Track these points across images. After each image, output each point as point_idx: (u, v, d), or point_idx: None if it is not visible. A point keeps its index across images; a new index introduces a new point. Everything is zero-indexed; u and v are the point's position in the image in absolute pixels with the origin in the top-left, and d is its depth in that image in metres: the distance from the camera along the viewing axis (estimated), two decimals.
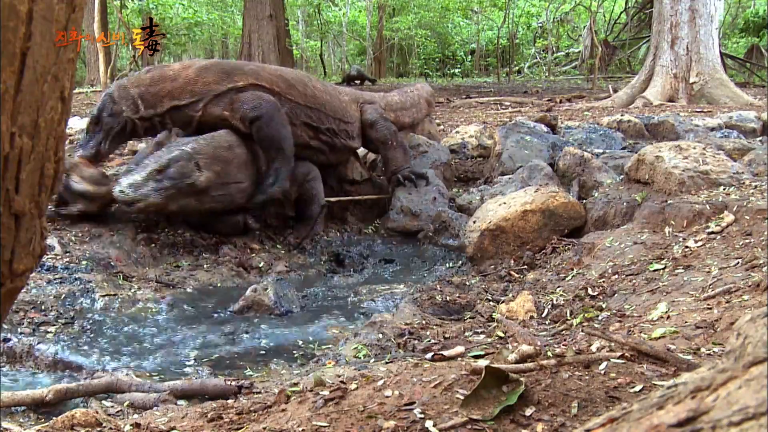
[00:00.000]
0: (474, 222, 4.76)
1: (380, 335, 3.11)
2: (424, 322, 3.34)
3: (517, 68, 22.22)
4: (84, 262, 4.12)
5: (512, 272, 4.30)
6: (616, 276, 3.46)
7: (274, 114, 4.85)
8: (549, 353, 2.03)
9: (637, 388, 1.74)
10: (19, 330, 3.37)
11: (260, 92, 4.88)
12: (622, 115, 7.87)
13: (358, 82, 16.89)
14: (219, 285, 4.31)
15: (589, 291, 3.39)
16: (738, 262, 2.99)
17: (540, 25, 23.81)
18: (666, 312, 2.66)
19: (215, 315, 3.84)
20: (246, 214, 4.82)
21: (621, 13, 20.10)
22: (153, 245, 4.59)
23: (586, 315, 3.00)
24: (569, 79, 19.36)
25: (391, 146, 5.56)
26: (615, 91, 12.03)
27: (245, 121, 4.81)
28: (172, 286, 4.15)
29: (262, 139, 4.83)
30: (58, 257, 4.09)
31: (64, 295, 3.77)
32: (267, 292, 3.88)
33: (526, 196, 4.62)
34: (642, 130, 7.42)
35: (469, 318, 3.46)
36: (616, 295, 3.22)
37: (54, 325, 3.51)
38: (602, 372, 1.85)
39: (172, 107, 4.75)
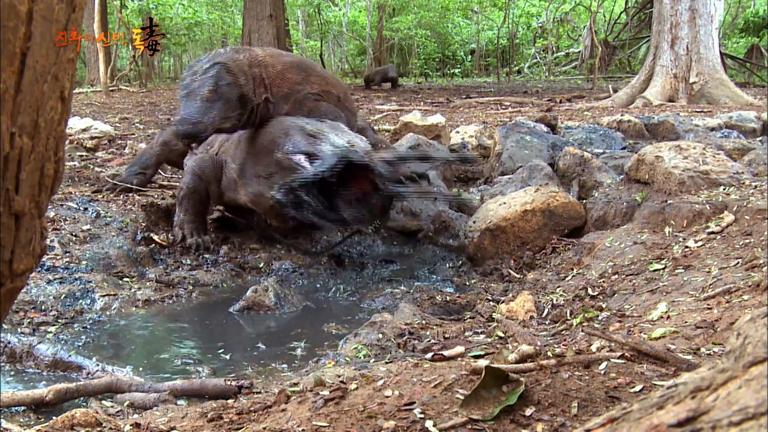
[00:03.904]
0: (474, 222, 4.75)
1: (380, 335, 3.11)
2: (424, 322, 3.33)
3: (517, 68, 22.24)
4: (84, 262, 4.12)
5: (512, 272, 4.30)
6: (616, 276, 3.46)
7: None
8: (549, 353, 2.03)
9: (637, 388, 1.74)
10: (19, 330, 3.37)
11: (332, 106, 4.97)
12: (622, 115, 7.87)
13: (377, 86, 15.61)
14: (219, 285, 4.31)
15: (589, 291, 3.39)
16: (738, 262, 2.99)
17: (540, 25, 23.83)
18: (666, 312, 2.66)
19: (215, 315, 3.84)
20: None
21: (621, 13, 20.10)
22: (153, 245, 4.60)
23: (586, 315, 3.00)
24: (569, 79, 19.37)
25: (380, 149, 5.58)
26: (615, 91, 12.03)
27: None
28: (172, 286, 4.15)
29: None
30: (58, 257, 4.09)
31: (64, 295, 3.77)
32: (267, 292, 3.89)
33: (526, 196, 4.61)
34: (642, 130, 7.42)
35: (469, 318, 3.46)
36: (616, 295, 3.22)
37: (54, 325, 3.51)
38: (602, 372, 1.85)
39: (265, 99, 4.55)
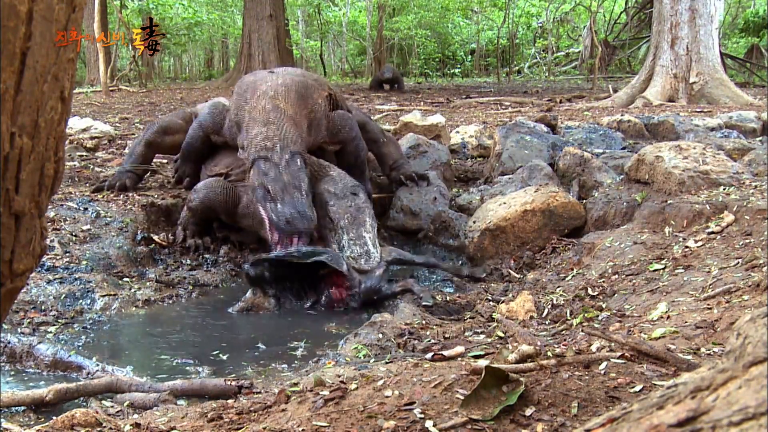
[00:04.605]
0: (474, 222, 4.75)
1: (380, 335, 3.11)
2: (424, 322, 3.34)
3: (517, 68, 22.23)
4: (84, 262, 4.12)
5: (512, 272, 4.30)
6: (616, 276, 3.46)
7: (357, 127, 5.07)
8: (549, 353, 2.03)
9: (637, 388, 1.74)
10: (19, 330, 3.37)
11: (342, 112, 4.99)
12: (622, 115, 7.86)
13: (387, 86, 14.96)
14: (219, 285, 4.31)
15: (589, 291, 3.39)
16: (738, 262, 2.99)
17: (540, 25, 23.82)
18: (666, 312, 2.66)
19: (215, 315, 3.84)
20: None
21: (621, 13, 20.10)
22: (153, 245, 4.60)
23: (586, 315, 3.00)
24: (569, 79, 19.37)
25: (383, 143, 5.56)
26: (615, 91, 12.03)
27: (344, 143, 4.95)
28: (172, 286, 4.15)
29: (351, 157, 4.96)
30: (58, 257, 4.09)
31: (64, 295, 3.77)
32: (267, 292, 3.88)
33: (526, 196, 4.61)
34: (642, 130, 7.42)
35: (469, 318, 3.46)
36: (616, 295, 3.22)
37: (54, 325, 3.51)
38: (602, 372, 1.85)
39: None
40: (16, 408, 2.47)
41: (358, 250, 4.01)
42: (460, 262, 4.79)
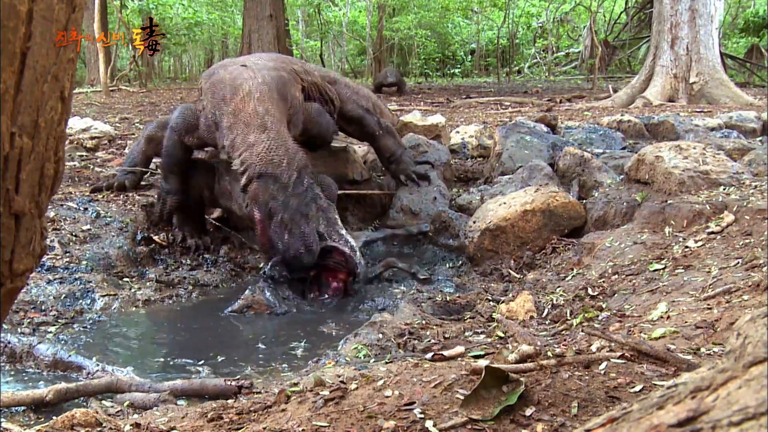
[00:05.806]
0: (474, 222, 4.75)
1: (380, 335, 3.11)
2: (424, 322, 3.33)
3: (517, 68, 22.23)
4: (84, 262, 4.12)
5: (512, 272, 4.30)
6: (616, 276, 3.46)
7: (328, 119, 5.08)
8: (549, 353, 2.03)
9: (637, 388, 1.74)
10: (19, 330, 3.37)
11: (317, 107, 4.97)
12: (622, 115, 7.86)
13: (388, 88, 14.10)
14: (219, 285, 4.31)
15: (589, 291, 3.39)
16: (738, 262, 2.99)
17: (540, 25, 23.82)
18: (666, 312, 2.66)
19: (215, 315, 3.84)
20: None
21: (621, 13, 20.09)
22: (153, 245, 4.60)
23: (586, 315, 3.00)
24: (569, 79, 19.36)
25: (380, 135, 5.52)
26: (615, 91, 12.02)
27: (313, 136, 4.94)
28: (172, 286, 4.16)
29: (313, 145, 4.95)
30: (58, 257, 4.09)
31: (64, 295, 3.77)
32: (264, 292, 3.88)
33: (526, 196, 4.61)
34: (642, 130, 7.41)
35: (469, 318, 3.46)
36: (616, 295, 3.22)
37: (54, 325, 3.51)
38: (602, 372, 1.85)
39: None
40: (16, 408, 2.47)
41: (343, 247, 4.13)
42: (460, 262, 4.79)
